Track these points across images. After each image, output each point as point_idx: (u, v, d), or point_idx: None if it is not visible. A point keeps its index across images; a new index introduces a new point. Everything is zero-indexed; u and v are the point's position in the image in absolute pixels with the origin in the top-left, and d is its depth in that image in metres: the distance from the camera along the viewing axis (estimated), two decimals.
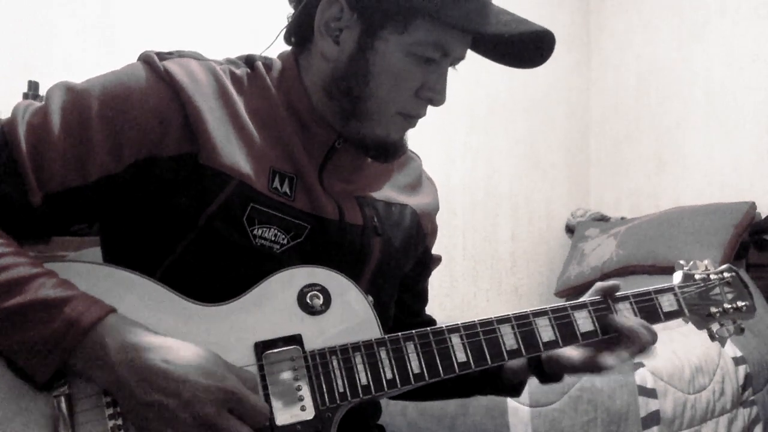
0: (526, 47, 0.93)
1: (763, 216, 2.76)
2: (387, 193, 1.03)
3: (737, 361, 2.26)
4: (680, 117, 3.15)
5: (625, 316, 0.97)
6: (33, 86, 1.89)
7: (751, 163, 2.91)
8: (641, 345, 0.95)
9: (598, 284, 1.01)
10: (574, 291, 3.03)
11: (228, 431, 0.72)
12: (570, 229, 3.34)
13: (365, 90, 0.90)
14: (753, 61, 2.91)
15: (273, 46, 1.00)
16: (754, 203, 2.74)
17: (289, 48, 0.99)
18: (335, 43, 0.90)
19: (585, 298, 1.00)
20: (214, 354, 0.76)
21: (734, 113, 2.96)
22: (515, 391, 1.11)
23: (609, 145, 3.46)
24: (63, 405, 0.73)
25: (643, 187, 3.30)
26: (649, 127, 3.27)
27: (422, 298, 1.17)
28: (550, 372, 1.03)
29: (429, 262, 1.15)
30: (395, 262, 1.02)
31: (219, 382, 0.73)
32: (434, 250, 1.16)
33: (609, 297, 0.99)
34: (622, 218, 3.19)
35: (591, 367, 0.97)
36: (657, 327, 1.01)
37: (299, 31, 0.95)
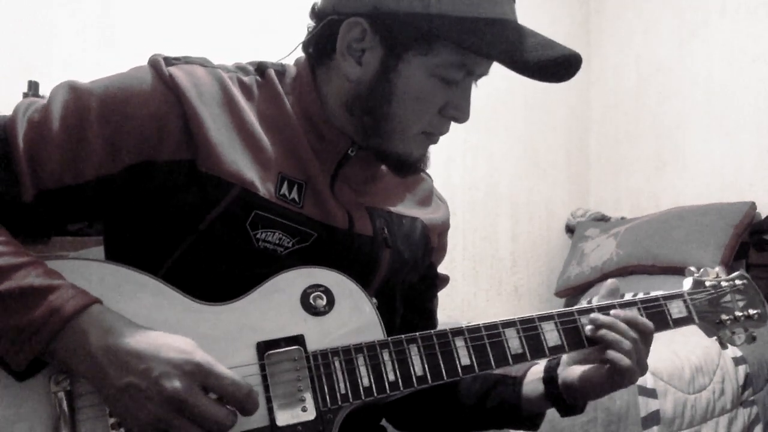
0: (555, 68, 0.89)
1: (763, 216, 2.76)
2: (398, 207, 1.02)
3: (737, 361, 2.26)
4: (680, 117, 3.15)
5: (597, 320, 0.92)
6: (33, 86, 1.89)
7: (751, 163, 2.91)
8: (617, 345, 0.90)
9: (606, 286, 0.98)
10: (574, 291, 3.03)
11: (197, 408, 0.69)
12: (570, 229, 3.34)
13: (388, 110, 0.89)
14: (753, 61, 2.91)
15: (273, 51, 0.99)
16: (754, 203, 2.74)
17: (303, 55, 0.97)
18: (357, 63, 0.89)
19: (595, 301, 0.97)
20: (192, 341, 0.74)
21: (734, 113, 2.96)
22: (534, 423, 1.05)
23: (609, 145, 3.46)
24: (63, 402, 0.73)
25: (643, 187, 3.30)
26: (649, 127, 3.27)
27: (430, 318, 1.13)
28: (571, 402, 0.98)
29: (435, 278, 1.13)
30: (403, 275, 1.01)
31: (188, 356, 0.71)
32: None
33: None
34: (622, 218, 3.19)
35: (611, 383, 0.92)
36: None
37: (318, 46, 0.93)
